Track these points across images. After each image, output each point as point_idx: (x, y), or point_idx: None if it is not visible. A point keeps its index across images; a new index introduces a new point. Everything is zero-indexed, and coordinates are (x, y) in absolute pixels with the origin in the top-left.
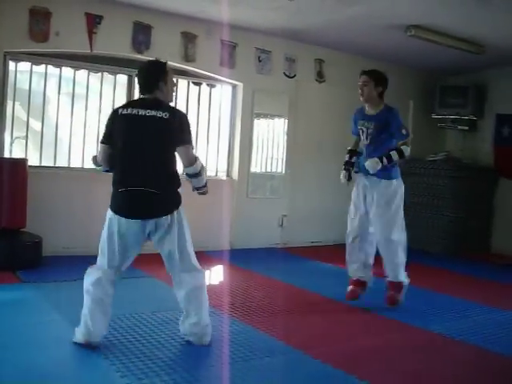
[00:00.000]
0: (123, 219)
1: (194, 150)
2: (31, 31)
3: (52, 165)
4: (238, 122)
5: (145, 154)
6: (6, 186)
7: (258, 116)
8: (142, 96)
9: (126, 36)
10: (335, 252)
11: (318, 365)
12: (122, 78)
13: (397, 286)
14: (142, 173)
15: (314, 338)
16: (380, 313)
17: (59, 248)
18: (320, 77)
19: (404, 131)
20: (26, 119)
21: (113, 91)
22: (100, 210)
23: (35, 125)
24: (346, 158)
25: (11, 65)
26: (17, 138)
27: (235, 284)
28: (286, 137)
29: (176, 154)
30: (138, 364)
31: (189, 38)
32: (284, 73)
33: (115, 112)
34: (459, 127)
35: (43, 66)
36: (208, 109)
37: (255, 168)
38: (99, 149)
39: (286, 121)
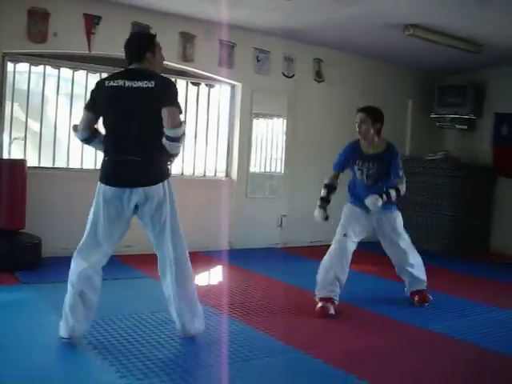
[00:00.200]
0: (110, 188)
1: (180, 115)
2: (29, 32)
3: (51, 165)
4: (236, 122)
5: (131, 124)
6: (5, 187)
7: (257, 116)
8: (129, 67)
9: (124, 36)
10: None
11: (318, 365)
12: None
13: (422, 290)
14: (128, 142)
15: (313, 338)
16: (380, 312)
17: (58, 249)
18: (319, 76)
19: (401, 173)
20: (24, 120)
21: None
22: None
23: (34, 125)
24: (323, 193)
25: (10, 66)
26: (15, 138)
27: (234, 284)
28: (284, 137)
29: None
30: (137, 364)
31: (187, 38)
32: (283, 73)
33: (101, 83)
34: (458, 126)
35: (42, 66)
36: (207, 109)
37: (254, 168)
38: (82, 115)
39: (285, 121)
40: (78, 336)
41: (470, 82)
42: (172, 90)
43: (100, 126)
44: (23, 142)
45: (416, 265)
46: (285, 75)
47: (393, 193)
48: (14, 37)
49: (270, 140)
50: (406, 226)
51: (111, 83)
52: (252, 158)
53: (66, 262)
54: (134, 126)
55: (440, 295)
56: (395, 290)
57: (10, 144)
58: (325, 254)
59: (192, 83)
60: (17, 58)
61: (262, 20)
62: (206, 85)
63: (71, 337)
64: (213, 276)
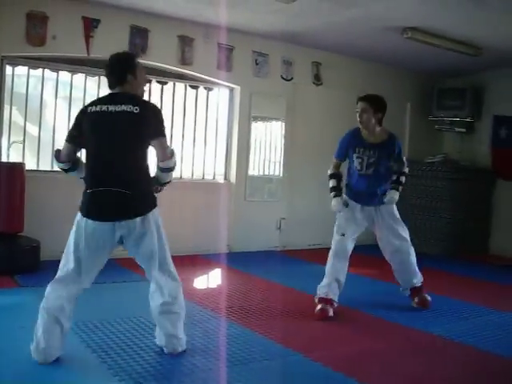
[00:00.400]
0: (92, 222)
1: (168, 144)
2: (28, 35)
3: (49, 169)
4: (235, 125)
5: (115, 151)
6: (4, 191)
7: (256, 119)
8: (111, 91)
9: (122, 40)
10: None
11: (318, 368)
12: None
13: (420, 287)
14: (112, 172)
15: (313, 341)
16: (380, 315)
17: (57, 252)
18: (317, 80)
19: (404, 158)
20: (23, 123)
21: None
22: None
23: (32, 129)
24: (333, 183)
25: (8, 69)
26: (14, 142)
27: (233, 287)
28: (283, 140)
29: (149, 150)
30: (136, 368)
31: (186, 42)
32: (281, 76)
33: (84, 110)
34: (457, 129)
35: (40, 70)
36: (205, 112)
37: (253, 171)
38: (63, 146)
39: (284, 124)
40: (50, 361)
41: (468, 85)
42: (158, 117)
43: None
44: (22, 145)
45: (413, 256)
46: (283, 78)
47: (403, 178)
48: (12, 40)
49: (269, 143)
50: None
51: (94, 108)
52: (251, 161)
53: None
54: (119, 153)
55: (439, 298)
56: (394, 292)
57: (9, 147)
58: (324, 256)
59: (191, 86)
60: (15, 62)
61: (260, 23)
62: (205, 88)
63: (44, 361)
64: (212, 279)
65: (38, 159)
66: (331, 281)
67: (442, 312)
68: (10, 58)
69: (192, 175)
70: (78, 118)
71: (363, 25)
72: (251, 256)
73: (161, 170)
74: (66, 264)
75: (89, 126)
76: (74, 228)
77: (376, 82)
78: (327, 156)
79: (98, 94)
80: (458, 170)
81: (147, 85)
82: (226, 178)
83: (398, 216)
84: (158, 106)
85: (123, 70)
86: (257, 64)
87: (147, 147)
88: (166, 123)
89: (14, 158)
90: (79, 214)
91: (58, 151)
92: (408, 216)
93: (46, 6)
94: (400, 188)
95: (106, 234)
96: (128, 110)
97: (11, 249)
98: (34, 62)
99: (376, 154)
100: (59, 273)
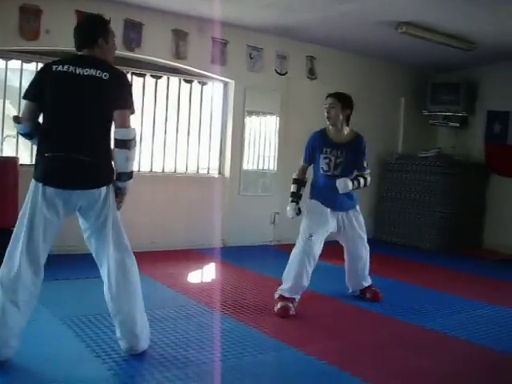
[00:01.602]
0: (50, 189)
1: (131, 118)
2: (21, 29)
3: None
4: (229, 120)
5: (79, 117)
6: None
7: (250, 113)
8: (79, 53)
9: (116, 33)
10: (327, 249)
11: (311, 362)
12: None
13: (371, 285)
14: (74, 138)
15: (306, 335)
16: (374, 309)
17: (53, 246)
18: (311, 74)
19: (366, 164)
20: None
21: None
22: None
23: None
24: (294, 188)
25: (1, 63)
26: (7, 136)
27: (227, 281)
28: (277, 134)
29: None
30: (130, 362)
31: (180, 36)
32: (275, 70)
33: (47, 67)
34: (450, 124)
35: (34, 63)
36: (199, 106)
37: (247, 165)
38: (24, 106)
39: (278, 118)
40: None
41: (462, 80)
42: (127, 88)
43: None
44: (15, 139)
45: (368, 262)
46: (278, 72)
47: (362, 180)
48: (5, 34)
49: (263, 137)
50: (398, 223)
51: (59, 68)
52: (245, 156)
53: (57, 259)
54: (84, 119)
55: (432, 292)
56: (387, 286)
57: (2, 142)
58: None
59: (185, 80)
60: (9, 55)
61: (254, 17)
62: (199, 82)
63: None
64: (206, 273)
65: (31, 153)
66: (294, 285)
67: (435, 306)
68: (3, 51)
69: (186, 169)
70: (40, 74)
71: (357, 19)
72: (245, 250)
73: (116, 143)
74: (16, 241)
75: (52, 85)
76: (28, 197)
77: (370, 77)
78: None
79: None
80: (451, 165)
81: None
82: (220, 173)
83: (363, 226)
84: (153, 99)
85: (95, 32)
86: (251, 58)
87: (111, 118)
88: (161, 117)
89: (8, 152)
90: (34, 182)
91: (17, 116)
92: (401, 210)
93: (40, 0)
94: (355, 183)
95: (65, 202)
96: (97, 75)
97: (3, 244)
98: (27, 55)
99: (343, 154)
100: (9, 250)
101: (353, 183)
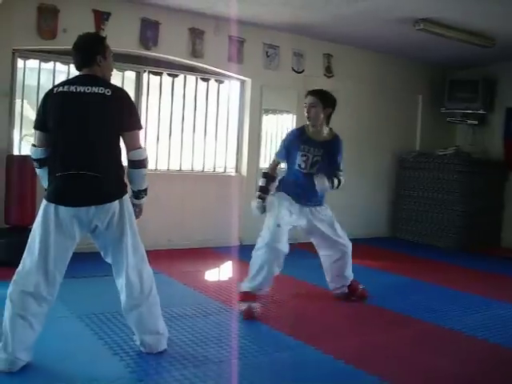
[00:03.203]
0: (62, 208)
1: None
2: (39, 28)
3: None
4: (246, 118)
5: (86, 134)
6: (15, 183)
7: (267, 112)
8: (79, 72)
9: (133, 32)
10: None
11: (328, 360)
12: (130, 75)
13: (355, 281)
14: (83, 155)
15: (323, 333)
16: (391, 308)
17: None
18: (328, 72)
19: (342, 166)
20: (34, 117)
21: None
22: None
23: None
24: (262, 183)
25: (20, 62)
26: (25, 135)
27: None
28: None
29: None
30: (147, 359)
31: (196, 34)
32: (292, 68)
33: (49, 92)
34: (469, 121)
35: (51, 63)
36: (216, 105)
37: (264, 164)
38: (36, 135)
39: (295, 116)
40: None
41: (481, 77)
42: (133, 107)
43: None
44: (33, 138)
45: (349, 258)
46: (294, 70)
47: (336, 181)
48: (23, 33)
49: (280, 136)
50: (415, 222)
51: (60, 89)
52: (262, 154)
53: (75, 257)
54: (90, 135)
55: (450, 291)
56: (405, 285)
57: (21, 141)
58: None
59: (201, 79)
60: (27, 55)
61: (270, 15)
62: (216, 80)
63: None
64: (223, 272)
65: None
66: (260, 281)
67: (453, 305)
68: (22, 51)
69: (203, 168)
70: (43, 101)
71: (374, 16)
72: None
73: (132, 164)
74: (30, 260)
75: (56, 106)
76: (39, 217)
77: (387, 74)
78: None
79: None
80: (470, 163)
81: (114, 70)
82: (237, 171)
83: (335, 220)
84: (169, 98)
85: (93, 50)
86: (268, 56)
87: (118, 133)
88: (178, 116)
89: (26, 151)
90: (44, 202)
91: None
92: (419, 209)
93: None
94: (333, 182)
95: (80, 220)
96: (100, 91)
97: (22, 241)
98: (45, 55)
99: (321, 152)
100: (21, 268)
101: (331, 183)
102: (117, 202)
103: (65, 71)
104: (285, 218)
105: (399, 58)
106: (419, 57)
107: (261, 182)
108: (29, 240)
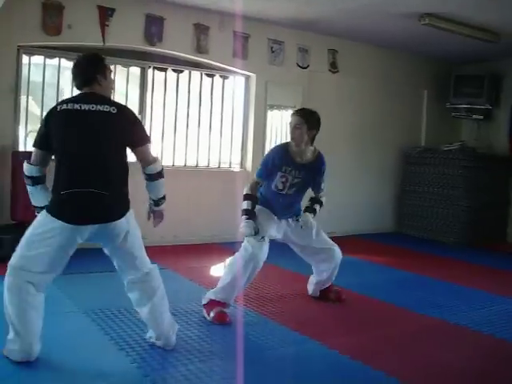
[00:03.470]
0: (66, 225)
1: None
2: (44, 25)
3: None
4: (251, 114)
5: (92, 151)
6: (21, 180)
7: (272, 107)
8: (81, 92)
9: (138, 28)
10: (350, 242)
11: (334, 355)
12: (135, 71)
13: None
14: (89, 173)
15: (328, 328)
16: (397, 304)
17: None
18: (333, 67)
19: (323, 185)
20: (39, 113)
21: (126, 84)
22: None
23: None
24: (248, 205)
25: (25, 58)
26: (31, 131)
27: None
28: None
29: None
30: (153, 355)
31: (201, 30)
32: (297, 63)
33: (52, 110)
34: (474, 116)
35: (56, 59)
36: (221, 100)
37: None
38: (33, 153)
39: None
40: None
41: (486, 72)
42: (139, 122)
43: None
44: None
45: (336, 262)
46: (299, 66)
47: (317, 208)
48: (28, 29)
49: (285, 131)
50: (420, 217)
51: (64, 107)
52: (267, 150)
53: (80, 253)
54: (96, 153)
55: (456, 286)
56: (409, 280)
57: (26, 137)
58: (339, 245)
59: (206, 75)
60: (32, 51)
61: (275, 11)
62: (221, 76)
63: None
64: None
65: None
66: (232, 291)
67: (459, 301)
68: (27, 47)
69: (208, 164)
70: (45, 119)
71: (379, 11)
72: None
73: (149, 177)
74: (25, 258)
75: (60, 124)
76: (39, 222)
77: (392, 69)
78: (342, 144)
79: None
80: (475, 158)
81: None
82: (242, 167)
83: (315, 225)
84: (174, 94)
85: (93, 70)
86: (272, 52)
87: (125, 149)
88: (183, 112)
89: (31, 147)
90: (47, 215)
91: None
92: (425, 204)
93: None
94: (314, 214)
95: (82, 235)
96: (105, 109)
97: None
98: (50, 51)
99: (302, 175)
100: (15, 263)
101: (314, 213)
102: (123, 219)
103: (69, 67)
104: (267, 230)
105: (404, 53)
106: (425, 51)
107: (245, 204)
108: (25, 238)
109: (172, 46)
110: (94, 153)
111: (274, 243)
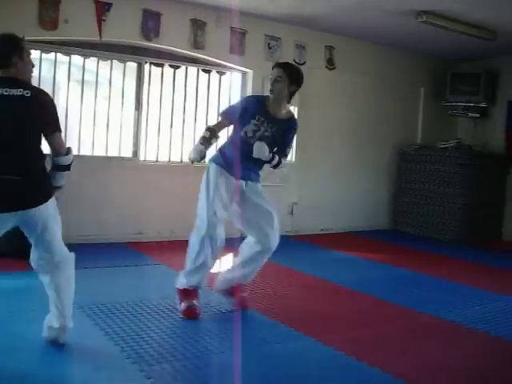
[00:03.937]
0: None
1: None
2: (41, 19)
3: None
4: None
5: (6, 138)
6: None
7: None
8: None
9: (135, 23)
10: (346, 239)
11: (329, 352)
12: (132, 66)
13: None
14: (8, 158)
15: (324, 325)
16: (392, 301)
17: (72, 236)
18: (330, 64)
19: (289, 150)
20: None
21: (122, 79)
22: (111, 197)
23: None
24: (207, 135)
25: None
26: None
27: None
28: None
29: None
30: (148, 350)
31: (198, 25)
32: (294, 60)
33: None
34: (470, 114)
35: (53, 53)
36: (218, 96)
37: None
38: None
39: (296, 108)
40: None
41: (483, 70)
42: (54, 109)
43: None
44: None
45: (264, 258)
46: (296, 62)
47: (277, 157)
48: (25, 24)
49: None
50: (416, 215)
51: None
52: None
53: (78, 249)
54: (11, 140)
55: (451, 284)
56: (406, 277)
57: None
58: (335, 241)
59: (203, 70)
60: (28, 45)
61: (272, 7)
62: (217, 72)
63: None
64: (224, 264)
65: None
66: (197, 276)
67: (454, 298)
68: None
69: (204, 160)
70: None
71: (376, 8)
72: None
73: (56, 167)
74: None
75: None
76: None
77: (389, 67)
78: (339, 140)
79: (110, 78)
80: (471, 156)
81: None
82: None
83: (266, 197)
84: (171, 89)
85: (8, 52)
86: (269, 48)
87: (41, 134)
88: (179, 107)
89: None
90: None
91: None
92: (420, 201)
93: None
94: (271, 156)
95: (2, 223)
96: (18, 93)
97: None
98: (46, 45)
99: (273, 129)
100: None
101: (272, 156)
102: (42, 206)
103: (66, 62)
104: (222, 200)
105: (401, 50)
106: (421, 49)
107: (204, 133)
108: None
109: (169, 41)
110: (9, 139)
111: None
